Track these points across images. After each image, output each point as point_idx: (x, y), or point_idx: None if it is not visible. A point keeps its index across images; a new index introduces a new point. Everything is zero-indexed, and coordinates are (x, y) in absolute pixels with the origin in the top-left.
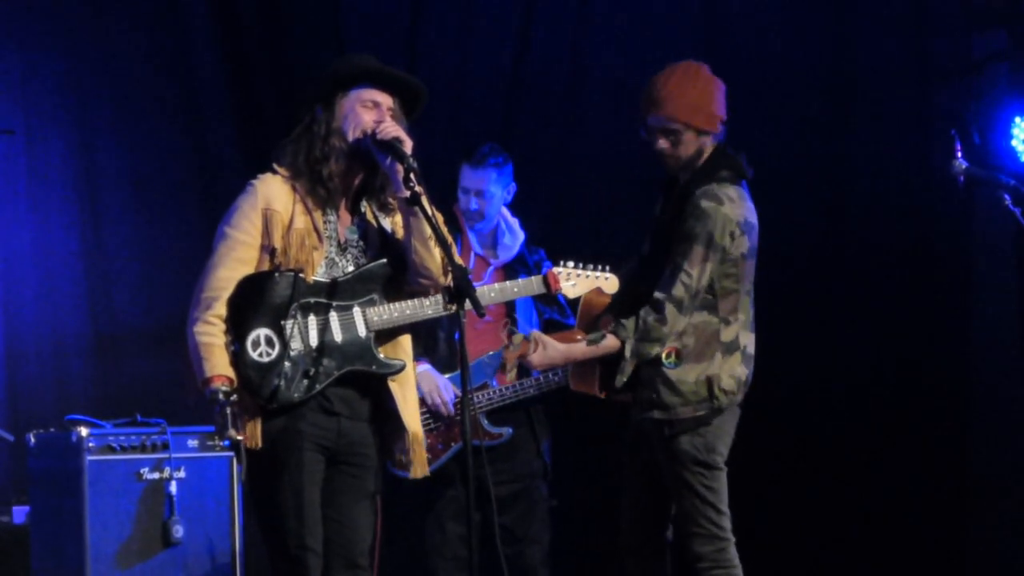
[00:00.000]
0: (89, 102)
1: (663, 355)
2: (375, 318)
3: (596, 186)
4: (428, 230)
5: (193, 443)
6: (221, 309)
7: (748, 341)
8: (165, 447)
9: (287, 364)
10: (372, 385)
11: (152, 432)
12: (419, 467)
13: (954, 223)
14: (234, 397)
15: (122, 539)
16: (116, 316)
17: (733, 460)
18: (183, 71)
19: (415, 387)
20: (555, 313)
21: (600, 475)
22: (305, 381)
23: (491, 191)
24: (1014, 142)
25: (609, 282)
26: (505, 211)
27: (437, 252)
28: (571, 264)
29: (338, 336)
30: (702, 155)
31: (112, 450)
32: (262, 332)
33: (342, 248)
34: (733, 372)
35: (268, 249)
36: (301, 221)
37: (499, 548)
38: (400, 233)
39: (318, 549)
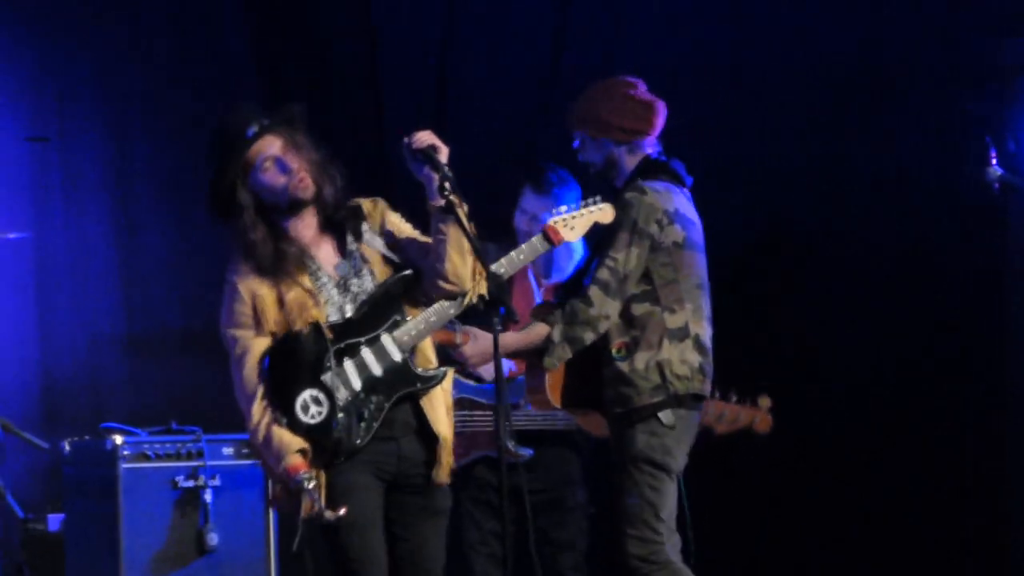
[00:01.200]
0: (123, 107)
1: (613, 350)
2: (405, 338)
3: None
4: (464, 239)
5: (228, 451)
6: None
7: (701, 331)
8: (200, 455)
9: (341, 415)
10: (414, 400)
11: (187, 440)
12: (444, 472)
13: (988, 229)
14: (315, 481)
15: (157, 547)
16: (152, 322)
17: (732, 460)
18: (216, 74)
19: (439, 392)
20: None
21: None
22: (362, 425)
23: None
24: None
25: (604, 212)
26: None
27: (470, 259)
28: (564, 209)
29: (377, 370)
30: (617, 164)
31: (147, 458)
32: (307, 394)
33: (343, 287)
34: (685, 358)
35: (272, 325)
36: (291, 292)
37: (533, 552)
38: (399, 236)
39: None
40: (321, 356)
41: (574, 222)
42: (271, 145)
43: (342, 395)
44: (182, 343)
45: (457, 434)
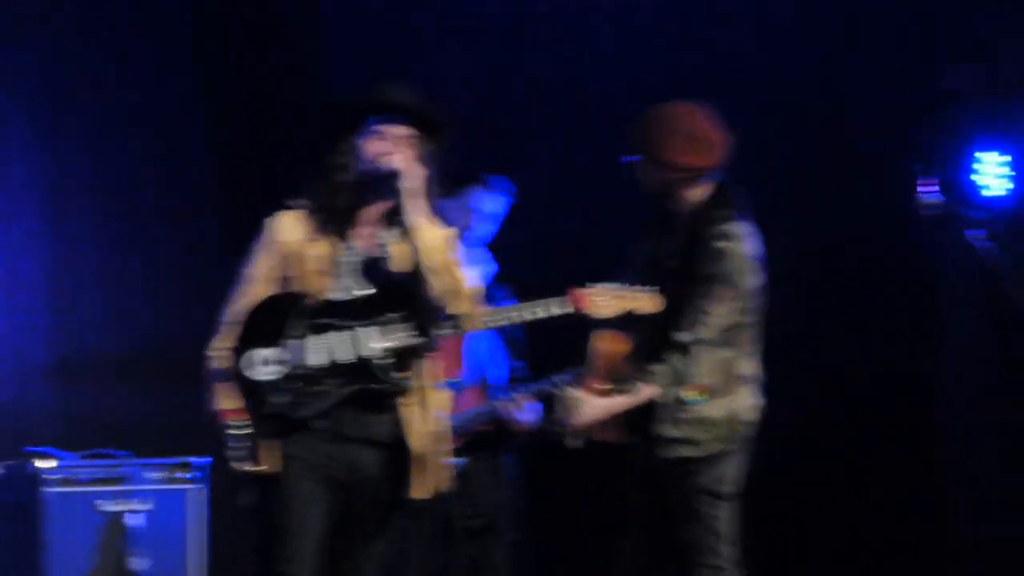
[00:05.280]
0: (59, 123)
1: (691, 392)
2: (389, 335)
3: (591, 204)
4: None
5: (153, 475)
6: (234, 335)
7: (757, 369)
8: (126, 480)
9: (294, 381)
10: (387, 407)
11: (112, 464)
12: (417, 490)
13: (920, 256)
14: (247, 429)
15: (81, 572)
16: (82, 343)
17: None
18: (157, 93)
19: (430, 408)
20: None
21: (574, 510)
22: (314, 400)
23: (500, 213)
24: (979, 177)
25: (646, 301)
26: None
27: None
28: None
29: (349, 355)
30: (701, 192)
31: (70, 482)
32: (270, 351)
33: (362, 272)
34: (751, 403)
35: (282, 280)
36: (313, 249)
37: None
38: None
39: None
40: (300, 322)
41: (608, 299)
42: (398, 128)
43: (307, 363)
44: (113, 363)
45: None
